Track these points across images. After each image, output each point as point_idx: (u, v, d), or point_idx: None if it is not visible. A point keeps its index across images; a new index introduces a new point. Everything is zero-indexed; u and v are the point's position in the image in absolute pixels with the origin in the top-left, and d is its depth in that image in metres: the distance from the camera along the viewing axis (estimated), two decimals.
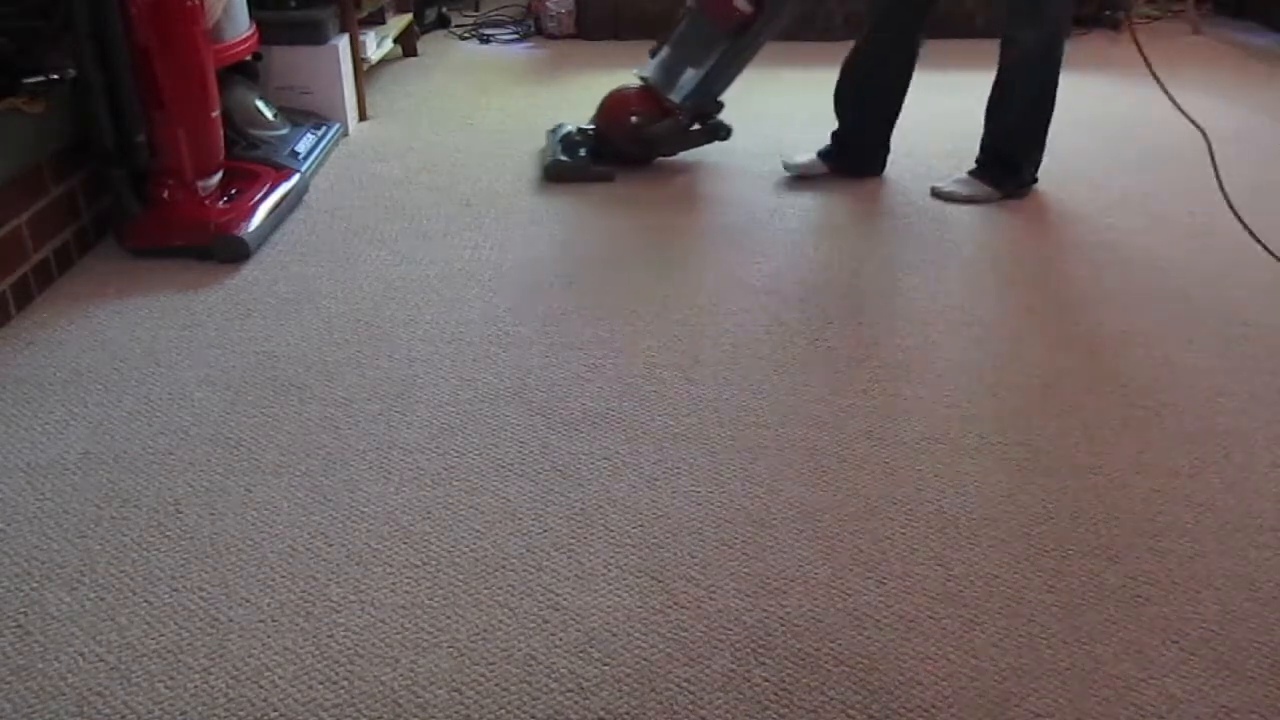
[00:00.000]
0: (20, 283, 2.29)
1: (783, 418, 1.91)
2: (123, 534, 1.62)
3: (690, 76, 2.98)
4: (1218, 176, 2.45)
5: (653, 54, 3.06)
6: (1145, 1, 4.79)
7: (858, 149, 3.02)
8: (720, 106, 3.06)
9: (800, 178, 3.01)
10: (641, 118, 2.99)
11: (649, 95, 3.02)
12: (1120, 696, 1.34)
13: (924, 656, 1.40)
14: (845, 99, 2.99)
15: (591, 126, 3.12)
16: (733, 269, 2.48)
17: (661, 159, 3.11)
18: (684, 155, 3.12)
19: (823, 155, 3.03)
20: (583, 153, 3.06)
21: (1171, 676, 1.37)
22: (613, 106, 3.06)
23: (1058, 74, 2.78)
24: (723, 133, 3.08)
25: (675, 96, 2.99)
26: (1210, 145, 2.47)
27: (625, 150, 3.06)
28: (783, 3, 2.87)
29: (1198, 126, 2.48)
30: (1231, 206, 2.41)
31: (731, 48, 2.92)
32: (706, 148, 3.14)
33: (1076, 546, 1.59)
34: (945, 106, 3.60)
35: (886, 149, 3.05)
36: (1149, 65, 2.50)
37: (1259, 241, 2.40)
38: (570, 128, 3.16)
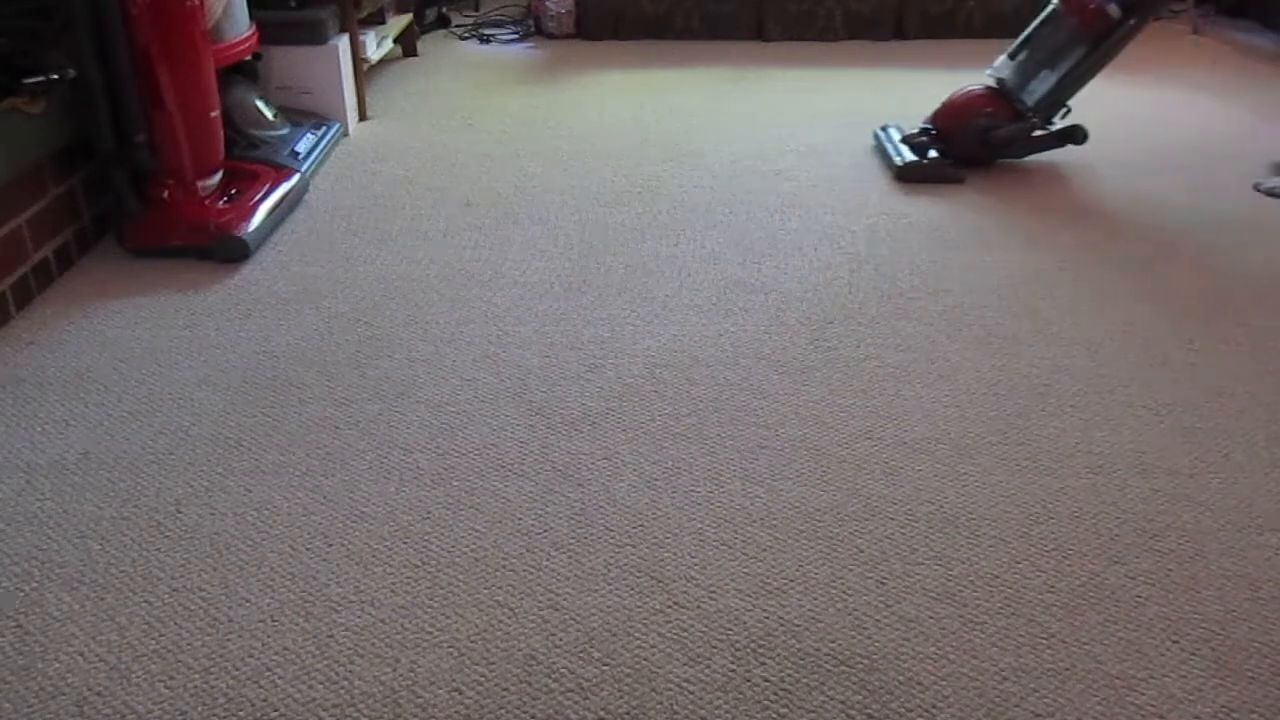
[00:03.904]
0: (20, 283, 2.29)
1: (783, 418, 1.91)
2: (123, 534, 1.62)
3: (1045, 79, 2.96)
4: None
5: (1012, 55, 3.03)
6: None
7: None
8: (1067, 110, 3.02)
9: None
10: (991, 120, 2.98)
11: (999, 97, 3.01)
12: (1120, 696, 1.34)
13: (924, 656, 1.40)
14: None
15: (929, 126, 3.10)
16: (733, 269, 2.48)
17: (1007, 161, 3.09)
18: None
19: None
20: (932, 153, 3.04)
21: (1171, 676, 1.37)
22: (961, 107, 3.05)
23: None
24: (1080, 135, 3.02)
25: (1028, 99, 2.98)
26: None
27: (970, 152, 3.04)
28: (1151, 9, 2.85)
29: None
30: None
31: (1093, 52, 2.90)
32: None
33: (1076, 546, 1.59)
34: None
35: None
36: None
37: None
38: (895, 128, 3.17)
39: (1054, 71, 2.94)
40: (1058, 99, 2.97)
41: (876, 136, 3.27)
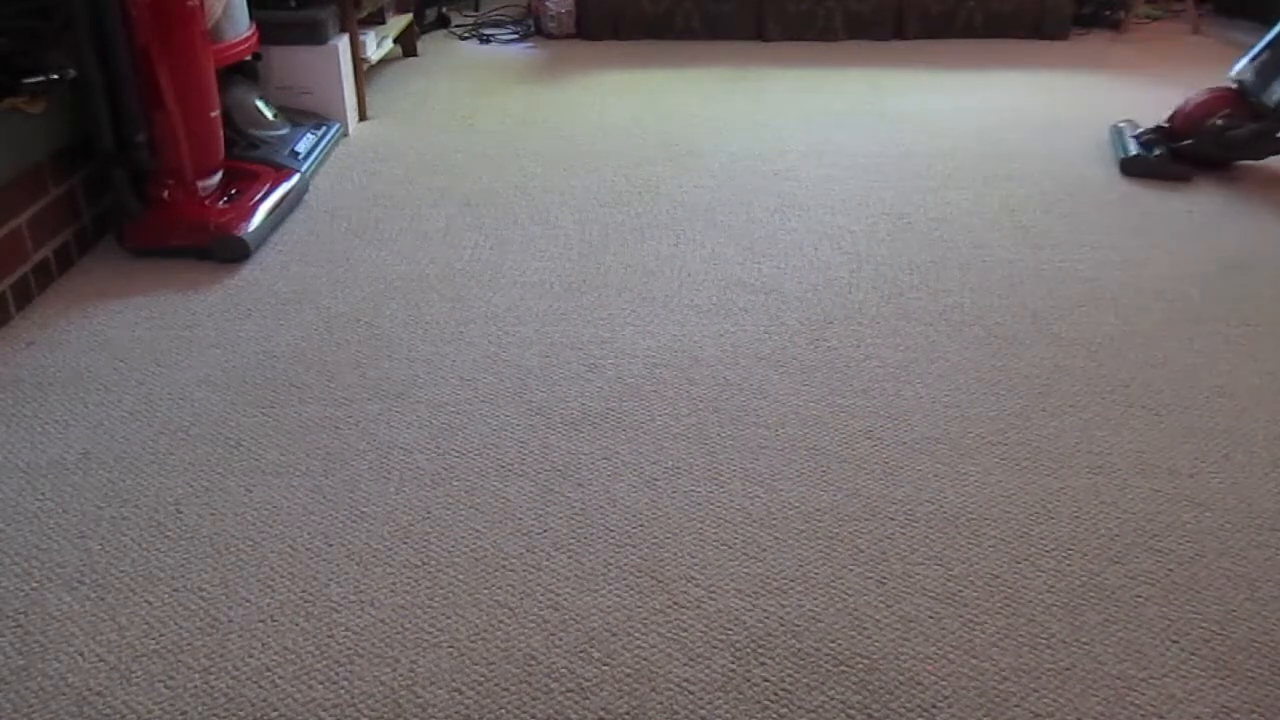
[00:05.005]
0: (20, 283, 2.29)
1: (783, 418, 1.91)
2: (123, 534, 1.62)
3: None
4: None
5: (1254, 58, 3.02)
6: (1145, 1, 4.79)
7: None
8: None
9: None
10: (1226, 120, 2.98)
11: (1237, 97, 3.01)
12: (1120, 696, 1.34)
13: (924, 656, 1.40)
14: None
15: (1164, 124, 3.11)
16: (733, 269, 2.48)
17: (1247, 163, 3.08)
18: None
19: None
20: (1158, 151, 3.05)
21: (1171, 676, 1.37)
22: (1196, 108, 3.05)
23: None
24: None
25: (1267, 100, 2.96)
26: None
27: (1205, 151, 3.03)
28: None
29: None
30: None
31: None
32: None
33: (1076, 546, 1.59)
34: (944, 106, 3.61)
35: None
36: None
37: None
38: (1126, 125, 3.21)
39: None
40: None
41: (1111, 131, 3.29)
